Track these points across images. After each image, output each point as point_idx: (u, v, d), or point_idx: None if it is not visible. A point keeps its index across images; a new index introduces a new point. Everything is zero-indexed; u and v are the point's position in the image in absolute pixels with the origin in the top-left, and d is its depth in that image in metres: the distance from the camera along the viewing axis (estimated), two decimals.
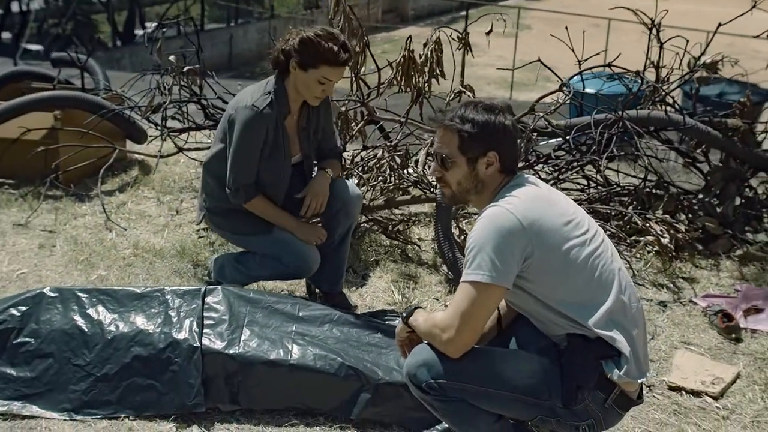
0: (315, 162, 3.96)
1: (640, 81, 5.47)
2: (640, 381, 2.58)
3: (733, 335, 4.11)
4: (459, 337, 2.52)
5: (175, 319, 3.32)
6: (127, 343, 3.25)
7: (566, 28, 5.27)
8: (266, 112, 3.58)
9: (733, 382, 3.72)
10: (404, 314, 2.78)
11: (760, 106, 8.00)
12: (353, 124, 5.25)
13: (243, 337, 3.29)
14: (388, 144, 5.23)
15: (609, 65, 5.39)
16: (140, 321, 3.33)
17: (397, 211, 5.49)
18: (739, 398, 3.61)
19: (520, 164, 5.00)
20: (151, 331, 3.28)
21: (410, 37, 4.95)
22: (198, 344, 3.22)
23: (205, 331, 3.29)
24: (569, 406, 2.56)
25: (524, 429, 2.77)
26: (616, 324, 2.53)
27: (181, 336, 3.25)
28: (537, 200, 2.60)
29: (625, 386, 2.55)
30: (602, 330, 2.50)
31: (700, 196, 5.42)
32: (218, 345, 3.24)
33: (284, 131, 3.70)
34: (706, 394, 3.60)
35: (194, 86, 5.65)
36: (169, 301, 3.41)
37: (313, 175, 3.92)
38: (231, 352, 3.21)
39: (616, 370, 2.51)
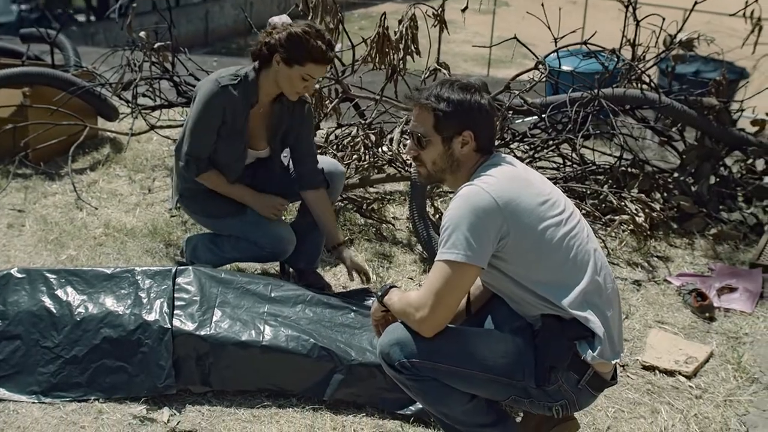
0: (296, 181, 3.87)
1: (616, 59, 5.44)
2: (614, 362, 2.57)
3: (707, 314, 4.12)
4: (432, 316, 2.50)
5: (145, 300, 3.28)
6: (96, 325, 3.20)
7: (542, 5, 5.23)
8: (229, 91, 3.53)
9: (706, 361, 3.73)
10: (379, 293, 2.76)
11: (735, 83, 8.04)
12: (327, 102, 5.19)
13: (214, 318, 3.25)
14: (363, 122, 5.18)
15: (585, 43, 5.36)
16: (110, 302, 3.27)
17: (371, 190, 5.45)
18: (712, 377, 3.62)
19: (496, 142, 4.99)
20: (120, 313, 3.22)
21: (384, 13, 4.90)
22: (169, 326, 3.17)
23: (175, 312, 3.24)
24: (543, 386, 2.55)
25: (498, 408, 2.76)
26: (591, 305, 2.52)
27: (151, 317, 3.20)
28: (513, 180, 2.57)
29: (599, 367, 2.54)
30: (576, 310, 2.49)
31: (675, 174, 5.42)
32: (189, 326, 3.19)
33: (247, 118, 3.64)
34: (680, 374, 3.61)
35: (165, 63, 5.56)
36: (140, 281, 3.36)
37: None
38: (202, 333, 3.17)
39: (589, 351, 2.49)
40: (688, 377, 3.59)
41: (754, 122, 5.54)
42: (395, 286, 2.75)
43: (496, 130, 2.69)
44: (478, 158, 2.66)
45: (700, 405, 3.40)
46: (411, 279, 4.31)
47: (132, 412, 3.07)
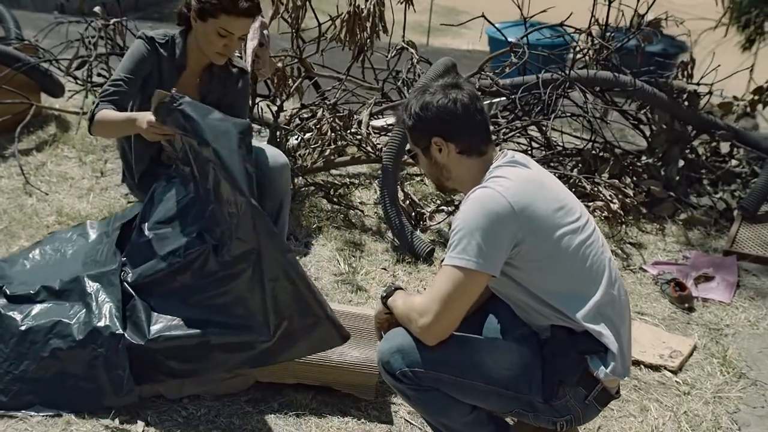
0: None
1: (588, 38, 5.33)
2: (624, 378, 2.47)
3: (686, 305, 4.07)
4: (437, 324, 2.36)
5: (93, 306, 3.00)
6: (44, 336, 2.93)
7: None
8: (156, 44, 3.36)
9: (690, 354, 3.67)
10: (384, 294, 2.60)
11: (675, 57, 8.09)
12: (290, 81, 4.98)
13: (159, 317, 2.96)
14: (328, 103, 4.97)
15: (562, 24, 5.22)
16: (56, 311, 3.02)
17: (335, 173, 5.25)
18: (698, 372, 3.56)
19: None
20: (69, 321, 2.96)
21: None
22: (121, 331, 2.91)
23: (127, 314, 2.98)
24: (549, 401, 2.42)
25: (497, 418, 2.63)
26: (605, 318, 2.39)
27: (101, 323, 2.93)
28: (529, 183, 2.43)
29: (608, 383, 2.42)
30: (590, 323, 2.36)
31: (644, 158, 5.35)
32: (142, 329, 2.92)
33: (176, 84, 3.38)
34: (666, 368, 3.54)
35: (120, 37, 5.26)
36: (86, 286, 3.07)
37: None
38: (157, 335, 2.90)
39: (602, 367, 2.37)
40: (674, 372, 3.53)
41: (720, 105, 5.51)
42: (401, 288, 2.60)
43: (481, 126, 2.53)
44: (476, 160, 2.52)
45: (689, 402, 3.34)
46: (384, 269, 4.16)
47: (104, 422, 2.86)
